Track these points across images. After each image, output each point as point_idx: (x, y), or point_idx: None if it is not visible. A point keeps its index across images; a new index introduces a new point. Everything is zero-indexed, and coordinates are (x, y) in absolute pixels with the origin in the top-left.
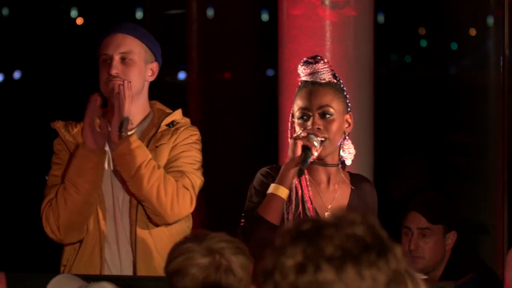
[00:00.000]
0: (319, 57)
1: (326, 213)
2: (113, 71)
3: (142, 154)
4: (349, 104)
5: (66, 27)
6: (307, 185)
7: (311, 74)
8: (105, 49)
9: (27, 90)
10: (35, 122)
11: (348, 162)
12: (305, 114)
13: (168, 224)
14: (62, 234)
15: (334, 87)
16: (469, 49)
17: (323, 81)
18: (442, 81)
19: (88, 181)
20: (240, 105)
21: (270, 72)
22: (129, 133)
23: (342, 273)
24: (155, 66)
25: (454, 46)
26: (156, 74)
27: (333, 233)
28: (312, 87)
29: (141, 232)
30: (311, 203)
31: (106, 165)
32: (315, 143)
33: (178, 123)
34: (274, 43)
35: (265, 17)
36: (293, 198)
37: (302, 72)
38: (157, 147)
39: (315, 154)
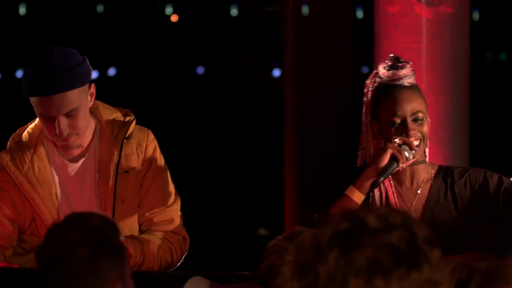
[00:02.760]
0: (404, 61)
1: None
2: (64, 134)
3: (147, 257)
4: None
5: (161, 24)
6: (393, 192)
7: (399, 78)
8: (43, 110)
9: (121, 87)
10: None
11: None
12: (397, 121)
13: None
14: None
15: (418, 89)
16: None
17: (408, 85)
18: None
19: None
20: (335, 102)
21: (365, 70)
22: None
23: (370, 285)
24: (92, 88)
25: None
26: (95, 92)
27: (367, 241)
28: (401, 92)
29: None
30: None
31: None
32: (406, 154)
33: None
34: (369, 40)
35: (360, 14)
36: (378, 200)
37: (388, 76)
38: (126, 172)
39: (403, 166)
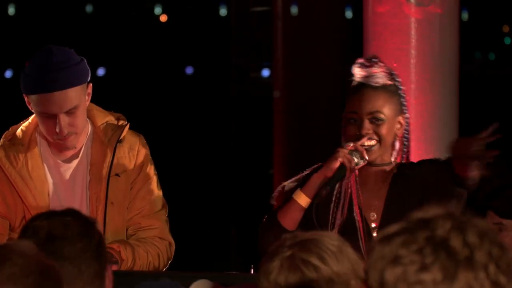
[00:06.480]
0: (374, 60)
1: (371, 214)
2: (64, 132)
3: (137, 261)
4: (405, 104)
5: (150, 24)
6: (357, 188)
7: (365, 77)
8: (44, 108)
9: (110, 87)
10: None
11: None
12: (354, 118)
13: None
14: None
15: (388, 90)
16: None
17: (376, 85)
18: None
19: None
20: (324, 102)
21: None
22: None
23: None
24: (89, 88)
25: None
26: (91, 92)
27: (419, 235)
28: (365, 91)
29: None
30: (359, 208)
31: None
32: (356, 160)
33: (123, 134)
34: (359, 40)
35: (349, 14)
36: (343, 199)
37: (357, 74)
38: (117, 175)
39: (352, 173)
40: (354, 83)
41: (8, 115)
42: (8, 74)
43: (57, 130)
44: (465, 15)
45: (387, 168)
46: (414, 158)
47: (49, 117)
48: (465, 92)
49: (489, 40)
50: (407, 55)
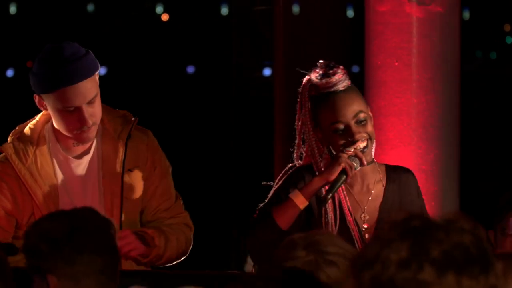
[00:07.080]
0: (332, 65)
1: (362, 215)
2: (89, 123)
3: (168, 250)
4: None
5: (152, 23)
6: (344, 195)
7: (334, 85)
8: (68, 102)
9: (112, 86)
10: None
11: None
12: (340, 127)
13: None
14: None
15: (354, 88)
16: None
17: (343, 88)
18: None
19: None
20: None
21: (355, 69)
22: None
23: (442, 277)
24: (98, 76)
25: None
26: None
27: (442, 237)
28: (338, 98)
29: None
30: (350, 214)
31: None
32: (355, 165)
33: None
34: (359, 39)
35: (350, 13)
36: (332, 206)
37: (322, 84)
38: (130, 170)
39: (349, 177)
40: (318, 95)
41: (9, 114)
42: (10, 73)
43: (83, 122)
44: (466, 14)
45: (371, 167)
46: (415, 157)
47: (71, 111)
48: (466, 91)
49: (490, 39)
50: (408, 54)
